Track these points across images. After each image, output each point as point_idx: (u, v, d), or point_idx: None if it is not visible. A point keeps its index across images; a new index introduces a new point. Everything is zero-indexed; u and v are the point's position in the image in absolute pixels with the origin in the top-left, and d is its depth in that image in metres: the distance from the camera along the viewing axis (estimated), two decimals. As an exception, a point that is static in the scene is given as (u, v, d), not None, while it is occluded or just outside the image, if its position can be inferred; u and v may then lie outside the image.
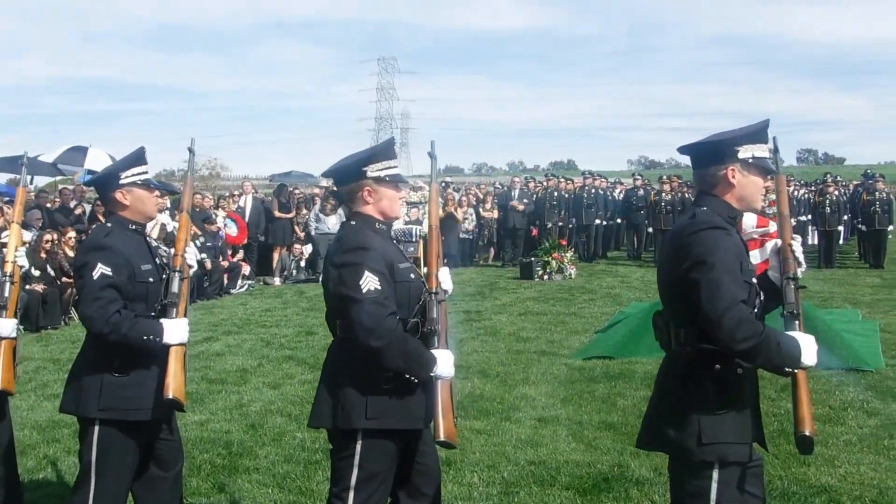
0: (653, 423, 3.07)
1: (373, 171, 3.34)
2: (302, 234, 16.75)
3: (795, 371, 2.87)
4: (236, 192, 18.30)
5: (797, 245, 3.12)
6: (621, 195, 21.77)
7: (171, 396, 3.43)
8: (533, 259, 16.35)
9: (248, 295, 14.59)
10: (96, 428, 3.50)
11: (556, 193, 19.66)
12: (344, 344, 3.24)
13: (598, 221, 20.06)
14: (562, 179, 21.21)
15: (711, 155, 3.05)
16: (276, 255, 16.80)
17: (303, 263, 16.59)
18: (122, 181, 3.68)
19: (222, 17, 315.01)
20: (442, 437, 3.18)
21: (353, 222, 3.35)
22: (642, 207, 19.71)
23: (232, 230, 15.88)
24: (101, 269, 3.45)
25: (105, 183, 3.76)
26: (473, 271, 18.06)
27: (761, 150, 3.05)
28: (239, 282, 14.99)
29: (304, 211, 17.19)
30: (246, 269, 15.53)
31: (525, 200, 19.15)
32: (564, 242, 17.48)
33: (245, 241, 16.29)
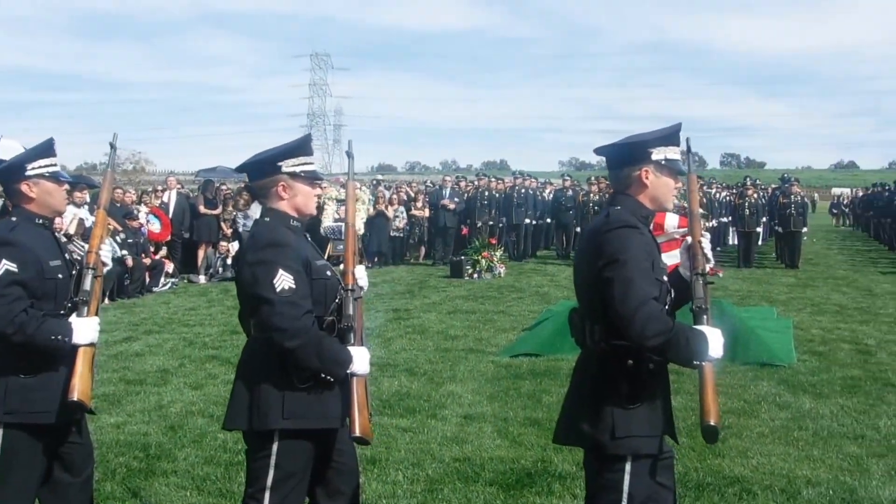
0: (568, 418, 3.11)
1: (288, 166, 3.30)
2: (229, 231, 16.45)
3: (703, 364, 2.94)
4: (160, 188, 17.87)
5: (706, 242, 3.18)
6: (551, 195, 22.06)
7: (75, 399, 3.27)
8: (463, 258, 16.45)
9: (171, 293, 14.26)
10: (0, 432, 3.33)
11: (486, 193, 19.84)
12: (259, 343, 3.19)
13: (527, 221, 20.30)
14: (493, 179, 21.39)
15: (626, 156, 3.11)
16: (201, 253, 16.46)
17: (229, 261, 16.15)
18: (28, 172, 3.47)
19: (150, 5, 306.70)
20: (357, 434, 3.16)
21: (266, 219, 3.29)
22: (571, 207, 20.02)
23: (155, 226, 15.50)
24: (5, 266, 3.27)
25: (9, 174, 3.52)
26: (404, 269, 18.08)
27: (673, 153, 3.11)
28: (162, 280, 14.62)
29: (231, 207, 16.76)
30: (169, 267, 15.18)
31: (456, 199, 19.27)
32: (494, 241, 17.65)
33: (168, 238, 15.91)
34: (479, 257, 16.16)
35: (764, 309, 11.84)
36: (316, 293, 3.19)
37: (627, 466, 2.94)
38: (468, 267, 16.08)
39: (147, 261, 14.29)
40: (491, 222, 19.47)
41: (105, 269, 3.60)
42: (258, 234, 3.24)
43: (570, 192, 20.53)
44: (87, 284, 3.45)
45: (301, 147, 3.39)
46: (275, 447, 3.14)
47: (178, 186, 17.38)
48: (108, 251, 3.64)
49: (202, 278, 15.94)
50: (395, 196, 19.72)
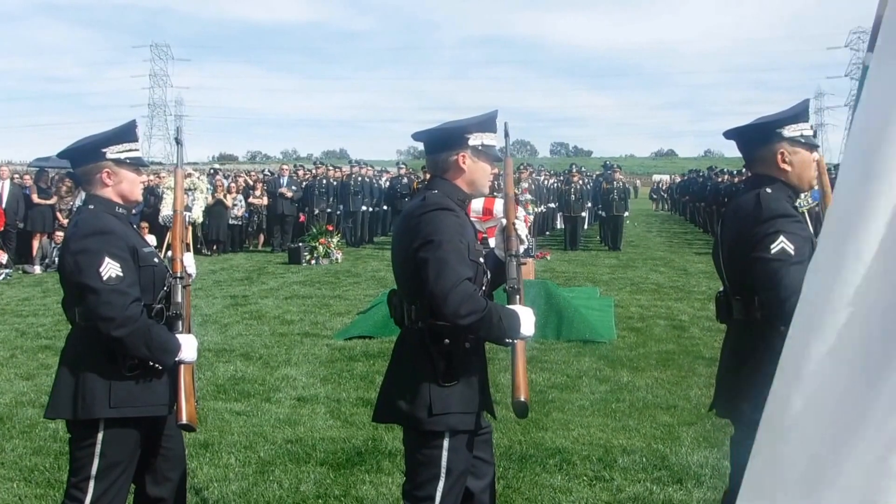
0: (387, 396, 3.17)
1: (112, 152, 3.25)
2: (64, 221, 15.90)
3: (515, 342, 3.03)
4: None
5: (520, 224, 3.25)
6: (387, 183, 22.29)
7: (184, 422, 3.21)
8: (301, 244, 16.46)
9: (4, 284, 13.68)
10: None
11: (324, 181, 19.87)
12: (84, 332, 3.15)
13: (364, 208, 20.46)
14: (330, 167, 21.41)
15: (444, 141, 3.17)
16: (35, 242, 15.99)
17: None
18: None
19: None
20: (184, 421, 3.19)
21: (90, 206, 3.24)
22: (407, 195, 20.32)
23: None
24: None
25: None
26: (243, 256, 17.91)
27: (490, 139, 3.19)
28: None
29: (67, 197, 16.28)
30: (3, 257, 14.63)
31: (293, 188, 19.18)
32: (332, 228, 17.69)
33: (2, 228, 15.43)
34: (317, 244, 16.21)
35: (588, 289, 12.48)
36: (144, 281, 3.18)
37: (445, 442, 3.01)
38: (306, 253, 16.11)
39: (-21, 251, 13.78)
40: (328, 209, 19.49)
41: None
42: (82, 222, 3.19)
43: (405, 180, 20.88)
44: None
45: (126, 133, 3.33)
46: (100, 436, 3.12)
47: (14, 176, 16.75)
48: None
49: (37, 268, 15.47)
50: (233, 185, 19.47)
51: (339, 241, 17.01)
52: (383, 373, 6.94)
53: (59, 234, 15.63)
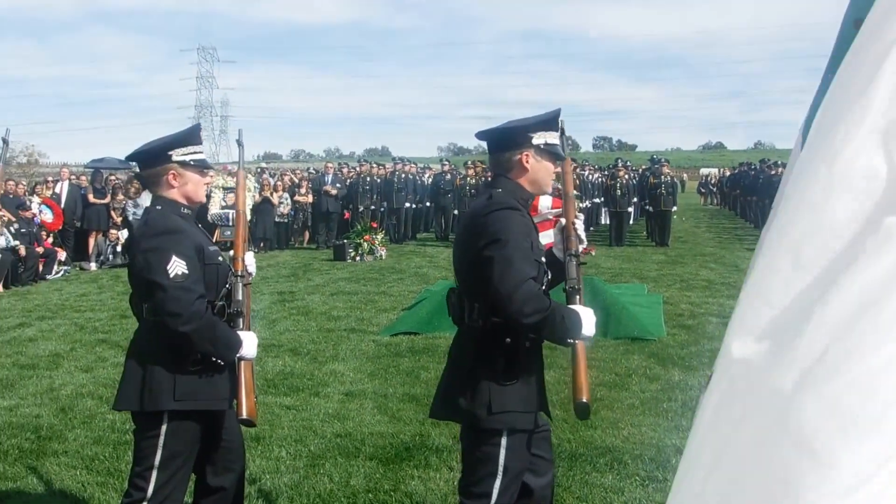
0: (446, 394, 3.19)
1: (178, 155, 3.34)
2: (118, 220, 16.44)
3: (576, 342, 3.02)
4: (49, 179, 17.72)
5: (580, 224, 3.26)
6: (430, 180, 22.35)
7: (244, 416, 3.31)
8: (345, 241, 16.61)
9: (63, 280, 14.13)
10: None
11: (368, 178, 19.97)
12: (151, 327, 3.24)
13: (407, 205, 20.57)
14: (374, 165, 21.50)
15: (508, 140, 3.18)
16: (91, 241, 16.50)
17: (119, 248, 16.27)
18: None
19: (42, 4, 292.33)
20: (244, 416, 3.28)
21: (158, 207, 3.34)
22: (449, 191, 20.37)
23: (47, 216, 15.51)
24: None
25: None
26: (289, 254, 18.09)
27: (553, 137, 3.19)
28: (55, 267, 14.57)
29: (120, 196, 16.83)
30: (62, 255, 15.07)
31: (338, 185, 19.32)
32: (375, 225, 17.81)
33: (61, 227, 15.95)
34: (361, 241, 16.34)
35: (635, 286, 12.33)
36: (208, 278, 3.28)
37: (503, 440, 3.02)
38: (351, 250, 16.23)
39: (40, 249, 14.34)
40: (372, 207, 19.62)
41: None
42: (151, 222, 3.29)
43: (448, 177, 20.88)
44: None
45: (191, 136, 3.45)
46: (164, 428, 3.22)
47: (71, 177, 17.31)
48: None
49: (93, 265, 15.89)
50: (279, 183, 19.71)
51: (382, 238, 17.11)
52: (429, 368, 7.22)
53: (114, 233, 16.25)
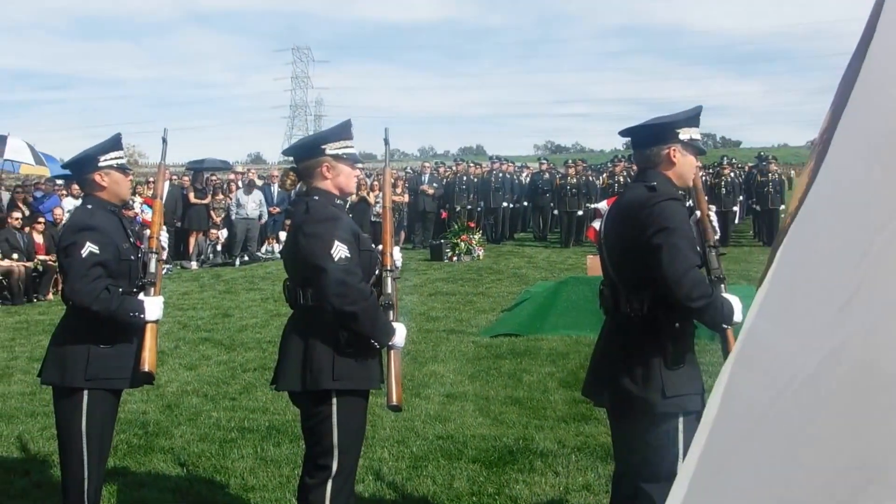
0: (614, 381, 3.25)
1: (331, 148, 3.53)
2: (218, 220, 16.83)
3: (727, 328, 3.20)
4: (151, 179, 18.09)
5: (713, 215, 3.46)
6: (528, 179, 22.18)
7: (146, 370, 3.71)
8: (442, 241, 16.60)
9: (165, 279, 14.41)
10: (85, 395, 3.70)
11: (464, 178, 19.94)
12: (309, 311, 3.41)
13: (505, 204, 20.44)
14: (471, 164, 21.50)
15: (655, 136, 3.32)
16: (192, 240, 16.85)
17: (219, 248, 16.70)
18: (100, 164, 3.85)
19: (139, 7, 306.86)
20: (395, 402, 3.51)
21: (316, 197, 3.51)
22: (548, 190, 20.12)
23: (149, 216, 15.72)
24: (89, 248, 3.62)
25: (84, 165, 3.90)
26: (384, 254, 18.18)
27: (697, 133, 3.35)
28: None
29: (220, 196, 17.23)
30: (163, 254, 15.41)
31: (435, 184, 19.37)
32: (473, 225, 17.74)
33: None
34: (459, 240, 16.28)
35: (744, 287, 11.92)
36: (363, 264, 3.47)
37: (680, 423, 3.13)
38: (448, 250, 16.20)
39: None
40: (469, 206, 19.58)
41: (164, 254, 4.07)
42: (313, 210, 3.47)
43: (546, 176, 20.62)
44: (152, 267, 3.93)
45: (343, 131, 3.64)
46: (334, 408, 3.39)
47: (172, 178, 17.74)
48: (165, 237, 4.08)
49: (194, 264, 16.28)
50: (375, 182, 19.81)
51: (479, 238, 17.03)
52: (531, 371, 7.12)
53: (214, 232, 16.62)
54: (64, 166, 4.05)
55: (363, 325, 3.32)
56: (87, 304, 3.60)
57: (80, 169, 3.93)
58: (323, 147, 3.53)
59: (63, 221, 12.01)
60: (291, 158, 3.70)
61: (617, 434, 3.42)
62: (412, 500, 4.54)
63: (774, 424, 1.22)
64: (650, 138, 3.33)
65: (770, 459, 1.20)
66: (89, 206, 3.85)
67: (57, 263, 3.90)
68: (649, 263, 3.05)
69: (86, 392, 3.69)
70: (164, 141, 4.25)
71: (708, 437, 1.32)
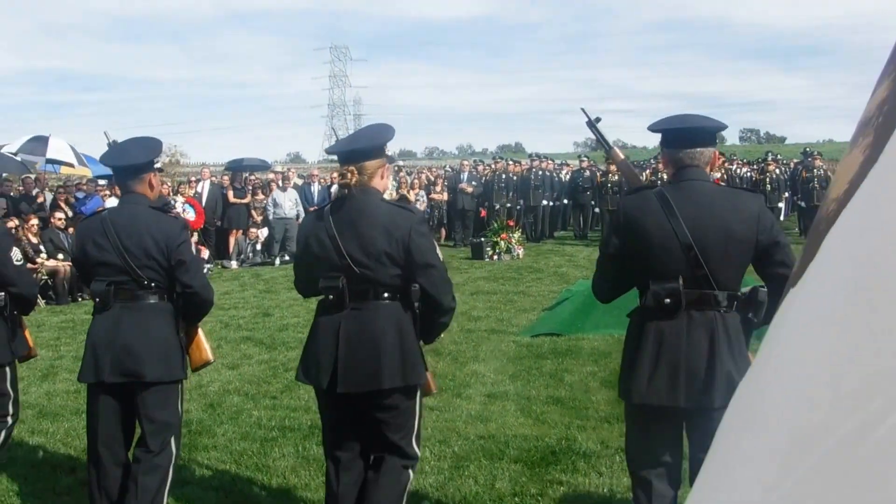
0: (720, 378, 3.12)
1: (387, 150, 3.65)
2: (258, 219, 16.89)
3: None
4: (193, 179, 18.36)
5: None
6: (567, 176, 22.03)
7: (212, 359, 4.48)
8: (482, 240, 16.51)
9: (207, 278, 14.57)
10: (180, 386, 4.04)
11: (504, 176, 19.81)
12: (400, 308, 3.51)
13: (545, 202, 20.31)
14: (510, 162, 21.34)
15: (711, 138, 3.43)
16: (232, 239, 16.94)
17: (258, 247, 16.75)
18: (156, 166, 4.04)
19: (179, 8, 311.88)
20: (434, 391, 3.94)
21: (382, 197, 3.63)
22: (588, 188, 19.97)
23: (190, 215, 15.92)
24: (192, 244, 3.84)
25: (146, 167, 3.97)
26: (425, 252, 18.17)
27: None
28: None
29: (260, 196, 17.31)
30: (204, 253, 15.56)
31: (474, 183, 19.29)
32: (512, 223, 17.61)
33: (202, 226, 16.44)
34: (498, 239, 16.20)
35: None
36: None
37: None
38: (488, 249, 16.13)
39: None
40: (509, 204, 19.46)
41: None
42: (417, 211, 3.77)
43: (587, 173, 20.47)
44: None
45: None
46: (417, 399, 3.63)
47: (211, 177, 17.85)
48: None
49: (234, 264, 16.38)
50: (415, 181, 19.89)
51: (519, 237, 16.93)
52: (572, 371, 7.06)
53: (253, 232, 16.63)
54: (125, 168, 3.95)
55: (450, 320, 3.60)
56: (210, 296, 4.06)
57: (143, 170, 3.97)
58: (386, 147, 3.63)
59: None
60: (335, 157, 3.69)
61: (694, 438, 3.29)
62: (454, 501, 4.52)
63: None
64: (709, 139, 3.41)
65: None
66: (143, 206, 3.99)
67: (154, 260, 3.86)
68: (747, 260, 3.23)
69: (181, 383, 3.99)
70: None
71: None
